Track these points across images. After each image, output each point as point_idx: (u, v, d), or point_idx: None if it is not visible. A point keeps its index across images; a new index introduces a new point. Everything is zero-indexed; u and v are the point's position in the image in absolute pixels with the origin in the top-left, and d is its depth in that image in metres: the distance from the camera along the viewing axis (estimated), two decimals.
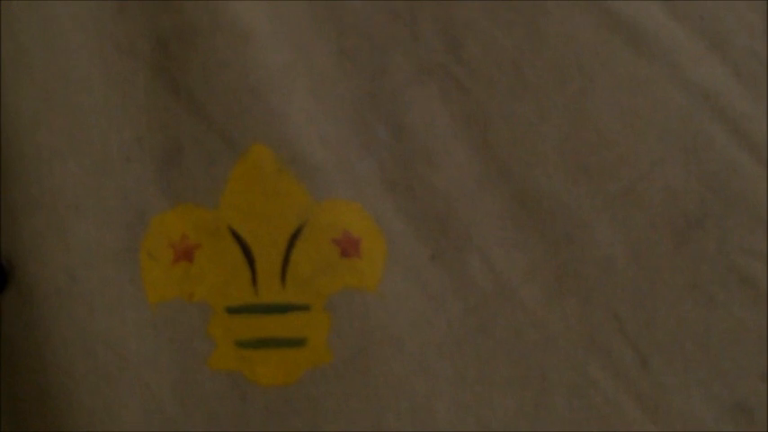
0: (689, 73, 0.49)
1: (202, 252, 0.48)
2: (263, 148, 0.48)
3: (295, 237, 0.48)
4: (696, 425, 0.48)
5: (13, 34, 0.48)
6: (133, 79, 0.49)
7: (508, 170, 0.49)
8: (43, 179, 0.48)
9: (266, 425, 0.48)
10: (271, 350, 0.48)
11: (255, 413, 0.48)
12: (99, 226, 0.48)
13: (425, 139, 0.49)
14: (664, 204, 0.48)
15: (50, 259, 0.48)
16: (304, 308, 0.48)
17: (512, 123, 0.49)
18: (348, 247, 0.48)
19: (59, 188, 0.49)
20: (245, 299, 0.48)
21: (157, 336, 0.48)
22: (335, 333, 0.48)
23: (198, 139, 0.49)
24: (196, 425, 0.48)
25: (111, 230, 0.48)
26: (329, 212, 0.48)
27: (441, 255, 0.49)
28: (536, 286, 0.48)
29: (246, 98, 0.48)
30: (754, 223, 0.49)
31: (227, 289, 0.48)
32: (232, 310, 0.48)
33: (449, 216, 0.49)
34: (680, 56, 0.49)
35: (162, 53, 0.49)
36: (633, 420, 0.48)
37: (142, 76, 0.49)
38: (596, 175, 0.48)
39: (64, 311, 0.48)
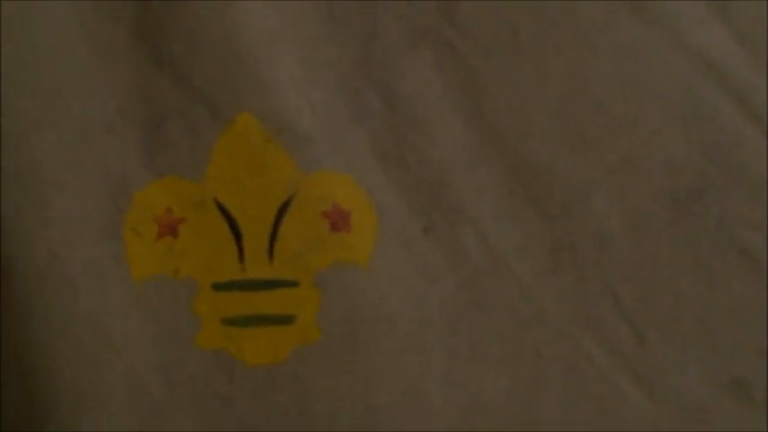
0: (691, 39, 0.47)
1: (187, 226, 0.47)
2: (249, 117, 0.46)
3: (283, 210, 0.46)
4: (693, 401, 0.47)
5: None
6: (114, 46, 0.47)
7: (503, 140, 0.47)
8: (22, 152, 0.47)
9: (254, 404, 0.47)
10: (258, 328, 0.47)
11: (243, 392, 0.47)
12: (80, 200, 0.47)
13: (418, 108, 0.47)
14: (663, 176, 0.47)
15: (31, 236, 0.47)
16: (292, 284, 0.47)
17: (507, 91, 0.47)
18: (338, 221, 0.47)
19: (39, 161, 0.47)
20: (232, 275, 0.47)
21: (142, 314, 0.47)
22: (325, 310, 0.47)
23: (182, 108, 0.47)
24: (183, 405, 0.47)
25: (93, 205, 0.47)
26: (318, 185, 0.46)
27: (433, 228, 0.47)
28: (530, 260, 0.47)
29: (232, 65, 0.46)
30: (756, 196, 0.47)
31: (213, 265, 0.47)
32: (218, 287, 0.47)
33: (442, 188, 0.47)
34: (682, 21, 0.47)
35: (144, 18, 0.47)
36: (629, 397, 0.47)
37: (123, 42, 0.47)
38: (594, 146, 0.47)
39: (46, 291, 0.47)
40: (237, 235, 0.47)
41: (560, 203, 0.47)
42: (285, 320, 0.47)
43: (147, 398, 0.47)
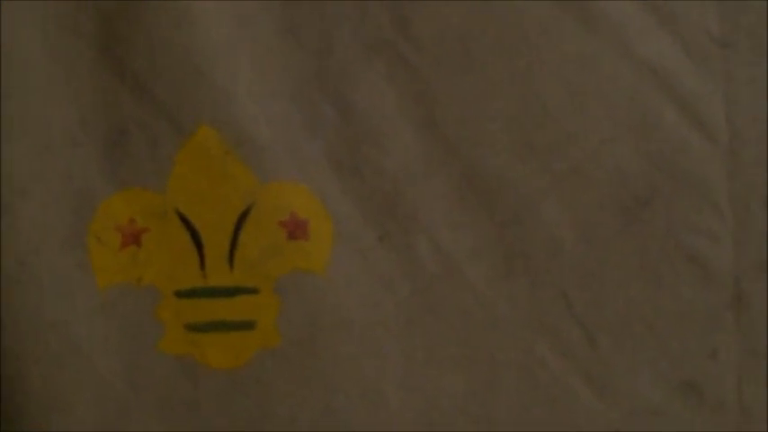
0: (638, 49, 0.48)
1: (150, 236, 0.48)
2: (209, 129, 0.47)
3: (242, 219, 0.48)
4: (644, 403, 0.48)
5: None
6: (77, 59, 0.48)
7: (455, 149, 0.48)
8: None
9: (217, 407, 0.48)
10: (220, 333, 0.48)
11: (207, 396, 0.48)
12: (46, 210, 0.48)
13: (372, 119, 0.48)
14: (611, 184, 0.48)
15: (0, 245, 0.48)
16: (252, 291, 0.48)
17: (459, 101, 0.48)
18: (295, 230, 0.48)
19: (6, 172, 0.48)
20: (194, 282, 0.48)
21: (107, 321, 0.48)
22: (284, 315, 0.48)
23: (143, 121, 0.48)
24: (148, 409, 0.48)
25: (59, 215, 0.48)
26: (276, 195, 0.48)
27: (388, 236, 0.48)
28: (483, 267, 0.48)
29: (191, 78, 0.47)
30: (703, 202, 0.48)
31: (175, 273, 0.48)
32: (181, 294, 0.48)
33: (396, 197, 0.48)
34: (629, 32, 0.48)
35: (106, 32, 0.48)
36: (581, 399, 0.48)
37: (87, 55, 0.48)
38: (543, 154, 0.48)
39: (15, 298, 0.48)
40: (199, 244, 0.48)
41: (511, 211, 0.48)
42: (246, 326, 0.48)
43: (114, 401, 0.49)
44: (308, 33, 0.48)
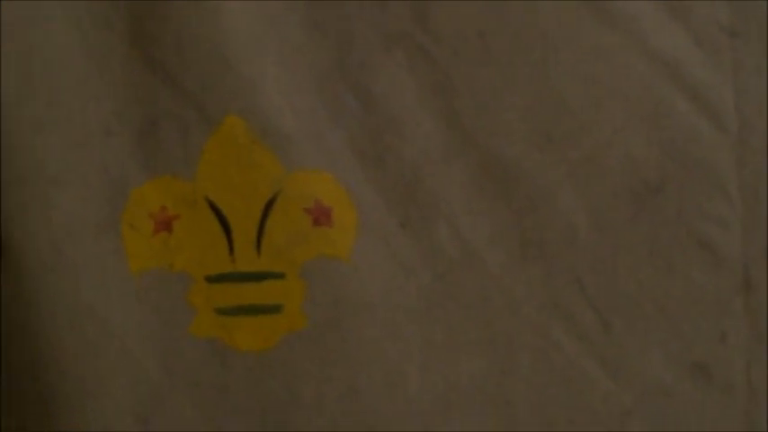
0: (651, 42, 0.50)
1: (181, 223, 0.50)
2: (236, 119, 0.49)
3: (269, 207, 0.50)
4: (656, 384, 0.50)
5: None
6: (110, 54, 0.50)
7: (473, 139, 0.50)
8: (26, 153, 0.50)
9: (246, 389, 0.50)
10: (248, 317, 0.50)
11: (235, 378, 0.50)
12: (81, 199, 0.50)
13: (393, 109, 0.50)
14: (624, 171, 0.50)
15: (36, 233, 0.50)
16: (279, 276, 0.50)
17: (477, 92, 0.50)
18: (320, 216, 0.50)
19: (42, 162, 0.50)
20: (223, 268, 0.50)
21: (141, 305, 0.50)
22: (310, 300, 0.50)
23: (173, 112, 0.50)
24: (180, 391, 0.51)
25: (93, 203, 0.50)
26: (301, 183, 0.50)
27: (409, 223, 0.50)
28: (501, 253, 0.50)
29: (219, 70, 0.49)
30: (713, 189, 0.50)
31: (205, 258, 0.50)
32: (211, 279, 0.50)
33: (417, 185, 0.50)
34: (642, 25, 0.50)
35: (138, 28, 0.50)
36: (595, 380, 0.50)
37: (119, 50, 0.50)
38: (559, 143, 0.50)
39: (51, 285, 0.50)
40: (227, 230, 0.50)
41: (528, 198, 0.50)
42: (273, 310, 0.50)
43: (147, 384, 0.51)
44: (331, 28, 0.50)
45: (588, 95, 0.49)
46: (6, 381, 0.52)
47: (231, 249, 0.50)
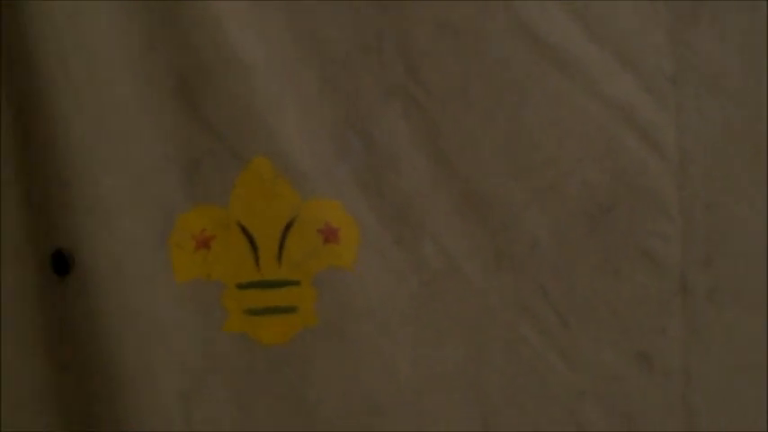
0: (605, 88, 0.61)
1: (217, 241, 0.62)
2: (262, 159, 0.61)
3: (288, 228, 0.61)
4: (607, 371, 0.61)
5: (66, 74, 0.62)
6: (161, 106, 0.62)
7: (456, 172, 0.61)
8: (95, 188, 0.62)
9: (268, 374, 0.62)
10: (270, 316, 0.61)
11: (260, 366, 0.62)
12: (138, 224, 0.62)
13: (391, 149, 0.62)
14: (581, 196, 0.61)
15: (102, 251, 0.62)
16: (296, 283, 0.61)
17: (460, 134, 0.61)
18: (329, 236, 0.61)
19: (108, 194, 0.62)
20: (251, 277, 0.62)
21: (185, 308, 0.62)
22: (321, 302, 0.61)
23: (211, 153, 0.62)
24: (215, 375, 0.62)
25: (147, 228, 0.62)
26: (314, 209, 0.61)
27: (402, 240, 0.62)
28: (478, 264, 0.61)
29: (249, 119, 0.61)
30: (657, 209, 0.61)
31: (236, 270, 0.62)
32: (241, 286, 0.62)
33: (408, 210, 0.62)
34: (598, 73, 0.61)
35: (183, 85, 0.62)
36: (556, 368, 0.61)
37: (168, 104, 0.62)
38: (527, 174, 0.61)
39: (113, 292, 0.62)
40: (254, 247, 0.62)
41: (500, 220, 0.61)
42: (290, 310, 0.61)
43: (188, 369, 0.62)
44: (339, 82, 0.61)
45: (552, 134, 0.60)
46: (76, 371, 0.64)
47: (257, 262, 0.61)
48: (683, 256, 0.61)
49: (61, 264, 0.62)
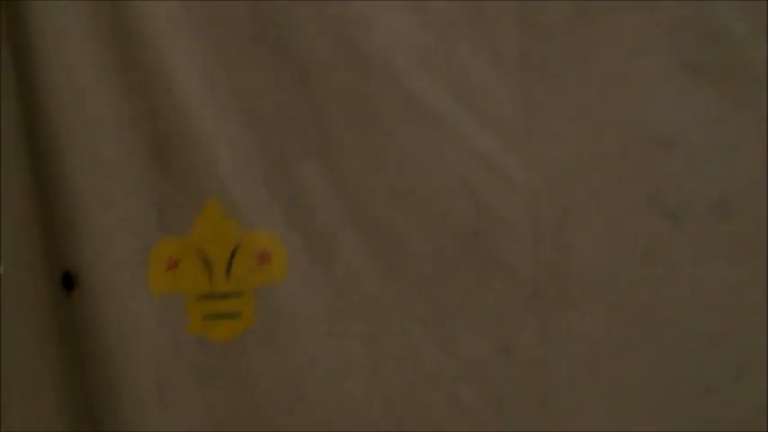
0: (470, 140, 0.78)
1: (182, 264, 0.82)
2: (215, 203, 0.81)
3: (234, 253, 0.81)
4: (476, 361, 0.78)
5: (69, 138, 0.82)
6: (142, 165, 0.82)
7: (364, 211, 0.80)
8: (95, 222, 0.82)
9: (219, 367, 0.81)
10: (221, 320, 0.81)
11: (213, 360, 0.81)
12: (124, 251, 0.82)
13: (309, 193, 0.80)
14: (452, 225, 0.79)
15: (98, 272, 0.82)
16: (240, 294, 0.81)
17: (363, 180, 0.80)
18: (264, 258, 0.80)
19: (102, 228, 0.82)
20: (207, 290, 0.81)
21: (159, 316, 0.82)
22: (258, 309, 0.80)
23: (177, 197, 0.82)
24: (183, 370, 0.81)
25: (131, 253, 0.82)
26: (253, 238, 0.81)
27: (319, 262, 0.81)
28: (376, 277, 0.79)
29: (204, 172, 0.81)
30: (513, 234, 0.78)
31: (196, 285, 0.81)
32: (199, 297, 0.81)
33: (324, 239, 0.80)
34: (461, 126, 0.78)
35: (156, 148, 0.82)
36: (435, 357, 0.79)
37: (146, 162, 0.82)
38: (411, 207, 0.79)
39: (105, 304, 0.82)
40: (210, 268, 0.81)
41: (393, 243, 0.79)
42: (236, 315, 0.81)
43: (162, 366, 0.81)
44: (271, 146, 0.81)
45: (426, 179, 0.79)
46: (81, 371, 0.83)
47: (211, 279, 0.81)
48: (534, 269, 0.78)
49: (68, 281, 0.82)
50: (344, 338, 0.80)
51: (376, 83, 0.78)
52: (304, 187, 0.81)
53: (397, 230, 0.79)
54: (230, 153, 0.81)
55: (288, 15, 0.79)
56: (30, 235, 0.83)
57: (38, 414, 0.83)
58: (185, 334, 0.82)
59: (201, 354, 0.81)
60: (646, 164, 0.78)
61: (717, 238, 0.78)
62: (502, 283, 0.78)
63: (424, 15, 0.78)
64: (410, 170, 0.79)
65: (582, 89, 0.78)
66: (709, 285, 0.78)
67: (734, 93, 0.78)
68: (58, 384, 0.84)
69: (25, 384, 0.83)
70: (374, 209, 0.80)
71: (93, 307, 0.82)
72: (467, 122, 0.78)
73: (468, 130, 0.78)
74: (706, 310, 0.78)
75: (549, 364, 0.78)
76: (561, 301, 0.78)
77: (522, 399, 0.78)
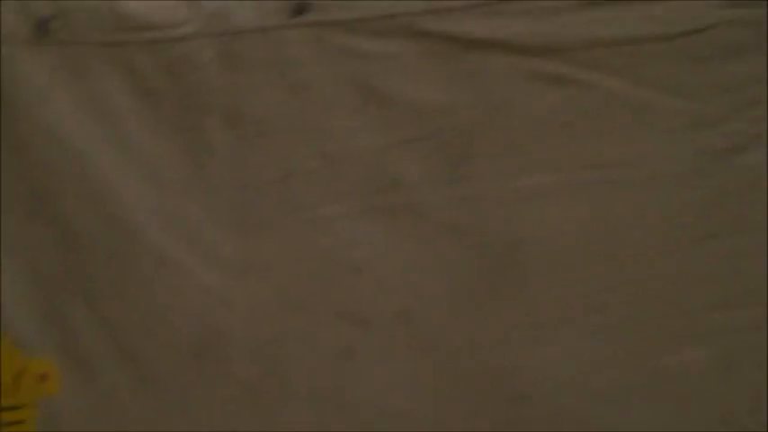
0: (199, 277, 1.01)
1: None
2: (6, 340, 1.02)
3: (20, 375, 1.02)
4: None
5: None
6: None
7: (122, 339, 1.02)
8: None
9: None
10: (11, 427, 1.01)
11: None
12: None
13: (80, 329, 1.03)
14: (188, 344, 1.01)
15: None
16: (24, 406, 1.01)
17: (124, 317, 1.02)
18: (44, 378, 1.02)
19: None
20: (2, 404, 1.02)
21: None
22: (38, 419, 1.01)
23: None
24: None
25: None
26: (36, 364, 1.02)
27: (87, 378, 1.02)
28: (130, 389, 1.01)
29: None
30: (235, 349, 1.01)
31: None
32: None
33: (91, 360, 1.02)
34: (195, 269, 1.01)
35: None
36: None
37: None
38: (159, 334, 1.01)
39: None
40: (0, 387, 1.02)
41: (143, 362, 1.01)
42: (20, 423, 1.01)
43: None
44: (49, 294, 1.03)
45: (172, 313, 1.01)
46: None
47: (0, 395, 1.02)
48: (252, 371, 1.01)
49: None
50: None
51: (127, 240, 1.02)
52: (75, 324, 1.03)
53: (147, 352, 1.02)
54: (13, 301, 1.04)
55: (58, 191, 1.03)
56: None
57: None
58: None
59: None
60: (337, 285, 1.02)
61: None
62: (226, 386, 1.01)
63: (162, 188, 1.03)
64: (155, 305, 1.02)
65: (287, 232, 1.02)
66: None
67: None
68: None
69: None
70: (129, 336, 1.02)
71: None
72: (196, 264, 1.02)
73: (198, 270, 1.01)
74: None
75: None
76: (280, 397, 1.01)
77: None
